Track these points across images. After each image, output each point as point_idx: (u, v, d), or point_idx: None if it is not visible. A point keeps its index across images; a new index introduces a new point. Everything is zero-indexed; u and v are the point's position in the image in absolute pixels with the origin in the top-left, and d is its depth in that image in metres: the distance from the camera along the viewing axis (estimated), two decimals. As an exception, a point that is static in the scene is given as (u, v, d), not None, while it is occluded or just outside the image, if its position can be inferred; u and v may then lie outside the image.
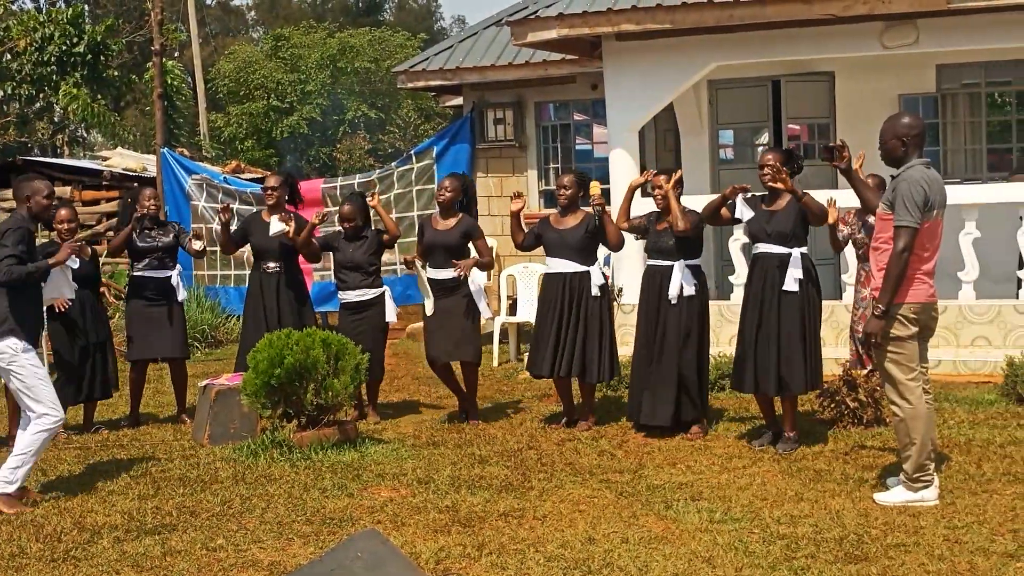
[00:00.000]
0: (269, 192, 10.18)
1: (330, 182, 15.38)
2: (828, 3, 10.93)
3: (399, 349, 14.19)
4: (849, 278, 10.99)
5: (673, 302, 8.78)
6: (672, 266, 8.83)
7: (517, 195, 9.45)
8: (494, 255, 15.47)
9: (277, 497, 7.38)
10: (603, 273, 9.54)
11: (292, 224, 9.80)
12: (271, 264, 10.08)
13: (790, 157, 8.45)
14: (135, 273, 10.09)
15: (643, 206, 10.12)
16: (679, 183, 8.92)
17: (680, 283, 8.77)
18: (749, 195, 8.55)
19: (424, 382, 11.75)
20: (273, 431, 8.77)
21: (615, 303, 10.51)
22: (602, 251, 9.80)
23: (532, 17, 12.22)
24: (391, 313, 9.92)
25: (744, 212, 8.55)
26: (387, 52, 35.08)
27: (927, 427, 6.83)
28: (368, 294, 9.81)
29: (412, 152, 15.63)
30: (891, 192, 6.77)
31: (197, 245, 10.23)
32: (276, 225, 9.90)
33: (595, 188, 9.29)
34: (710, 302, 9.26)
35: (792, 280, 8.23)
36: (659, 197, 8.94)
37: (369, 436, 9.05)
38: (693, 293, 8.81)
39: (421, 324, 14.44)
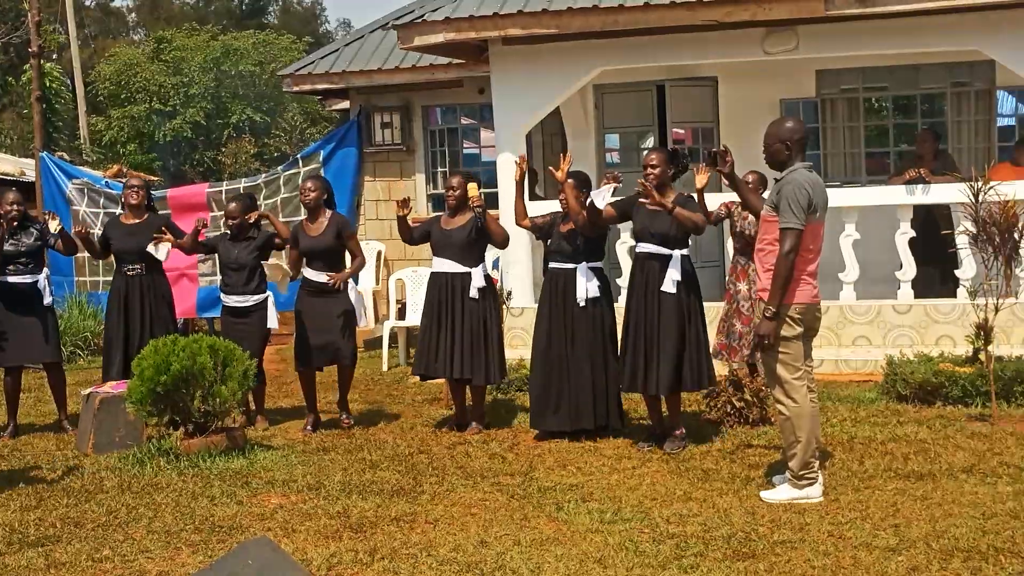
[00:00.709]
0: (132, 192, 10.24)
1: (215, 186, 15.19)
2: (711, 9, 11.11)
3: (287, 354, 14.03)
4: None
5: (581, 304, 8.81)
6: (575, 268, 8.86)
7: (405, 201, 9.41)
8: (382, 260, 15.45)
9: (164, 506, 7.27)
10: (490, 276, 9.56)
11: (168, 237, 9.89)
12: (132, 266, 10.04)
13: (674, 157, 8.50)
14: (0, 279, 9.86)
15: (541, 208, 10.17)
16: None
17: (586, 285, 8.81)
18: (616, 187, 8.61)
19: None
20: (159, 439, 8.64)
21: (504, 306, 10.53)
22: (492, 253, 9.82)
23: (419, 21, 12.23)
24: (272, 320, 9.85)
25: (600, 199, 8.52)
26: (272, 55, 34.78)
27: (812, 425, 6.97)
28: (251, 300, 9.73)
29: (299, 156, 15.51)
30: (775, 195, 6.90)
31: (161, 254, 10.12)
32: (161, 251, 9.97)
33: (473, 190, 9.29)
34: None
35: (670, 282, 8.32)
36: (563, 198, 8.96)
37: (258, 443, 8.96)
38: (598, 295, 8.85)
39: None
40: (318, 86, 16.00)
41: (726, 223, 10.32)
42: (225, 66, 33.29)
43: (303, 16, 58.21)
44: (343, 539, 6.47)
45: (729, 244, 10.48)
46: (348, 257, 9.83)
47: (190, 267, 14.07)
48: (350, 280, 9.66)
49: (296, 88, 16.20)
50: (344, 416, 9.75)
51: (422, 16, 12.45)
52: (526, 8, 11.60)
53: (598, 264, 8.96)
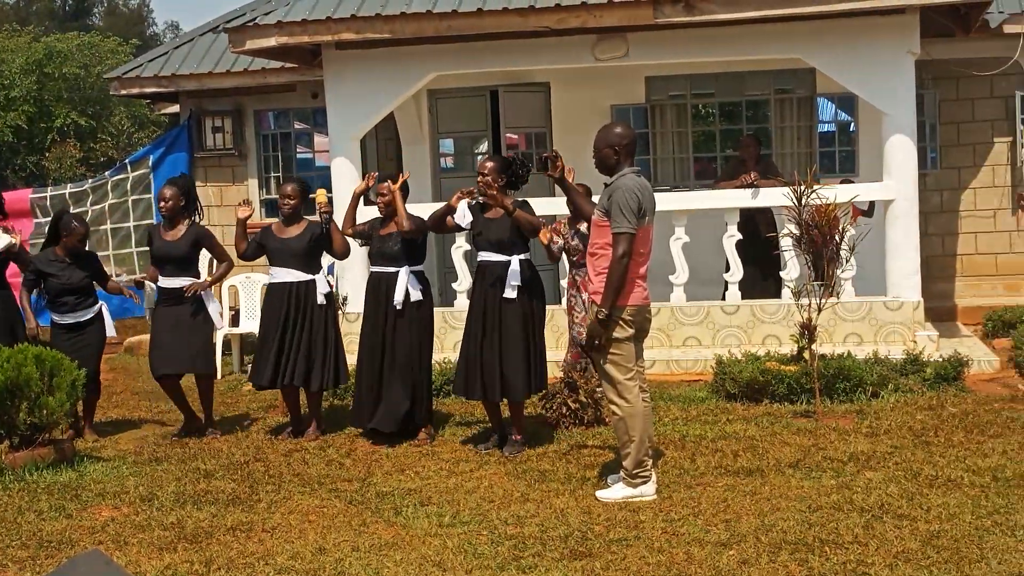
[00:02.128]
0: None
1: (39, 192, 14.78)
2: (543, 16, 11.23)
3: (116, 364, 13.73)
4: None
5: (399, 307, 8.82)
6: (397, 272, 8.88)
7: (245, 202, 9.34)
8: (214, 266, 15.20)
9: (-11, 522, 7.05)
10: (328, 281, 9.52)
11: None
12: None
13: (509, 165, 8.59)
14: None
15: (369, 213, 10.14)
16: (404, 187, 8.97)
17: (406, 288, 8.82)
18: (475, 201, 8.68)
19: (145, 397, 11.42)
20: (-17, 453, 8.36)
21: (340, 311, 10.48)
22: (326, 259, 9.77)
23: (251, 24, 12.09)
24: (110, 328, 9.64)
25: (465, 217, 8.67)
26: (98, 57, 33.86)
27: (645, 425, 7.11)
28: (87, 315, 9.52)
29: (127, 161, 15.21)
30: (607, 200, 7.01)
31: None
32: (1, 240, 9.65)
33: (321, 196, 9.24)
34: (435, 309, 9.35)
35: (511, 288, 8.40)
36: (382, 204, 8.99)
37: (87, 454, 8.74)
38: (420, 298, 8.88)
39: (138, 338, 14.13)
40: (147, 89, 15.68)
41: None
42: (48, 68, 32.28)
43: (130, 18, 56.84)
44: (178, 551, 6.36)
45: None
46: (209, 264, 9.68)
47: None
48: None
49: (124, 92, 15.84)
50: (211, 431, 9.54)
51: (254, 19, 12.31)
52: (360, 12, 11.56)
53: (420, 267, 9.00)
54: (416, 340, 8.89)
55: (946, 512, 6.46)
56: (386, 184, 8.99)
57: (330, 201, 9.53)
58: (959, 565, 5.61)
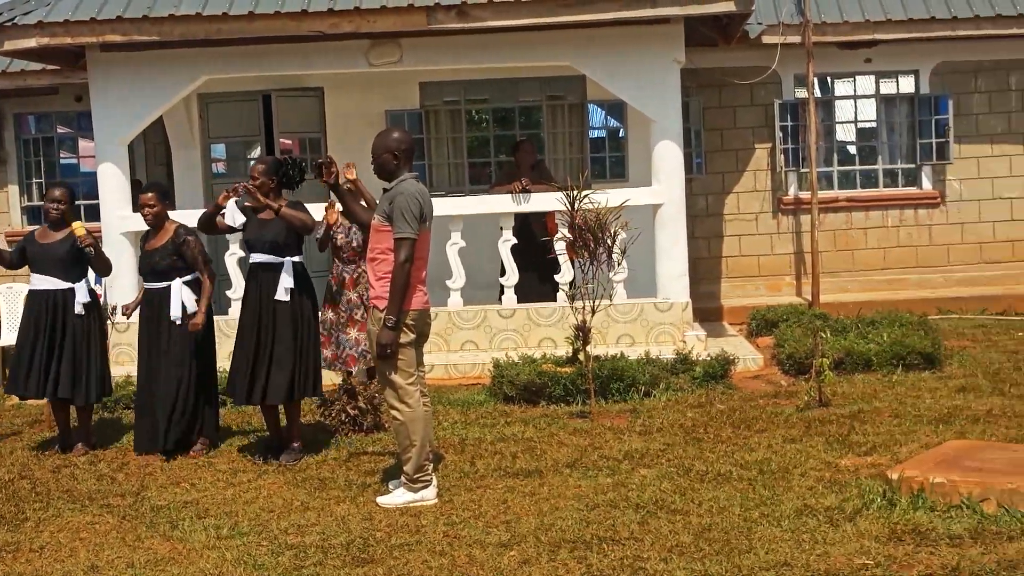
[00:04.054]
0: None
1: None
2: (316, 20, 11.15)
3: None
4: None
5: (178, 322, 8.62)
6: (169, 286, 8.67)
7: None
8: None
9: None
10: (94, 290, 9.22)
11: None
12: None
13: (280, 166, 8.49)
14: None
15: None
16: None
17: (181, 301, 8.63)
18: (240, 198, 8.54)
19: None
20: None
21: (109, 321, 10.14)
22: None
23: (9, 24, 11.58)
24: None
25: (236, 217, 8.54)
26: None
27: (425, 429, 7.13)
28: None
29: None
30: (387, 205, 7.00)
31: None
32: None
33: (79, 230, 8.81)
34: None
35: (283, 290, 8.31)
36: (149, 216, 8.76)
37: None
38: (196, 309, 8.70)
39: None
40: None
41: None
42: None
43: None
44: (-62, 575, 6.07)
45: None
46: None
47: None
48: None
49: None
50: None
51: (12, 19, 11.79)
52: (126, 14, 11.24)
53: (191, 277, 8.78)
54: (195, 351, 8.69)
55: (717, 506, 6.68)
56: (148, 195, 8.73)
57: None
58: (730, 556, 5.81)
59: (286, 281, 8.32)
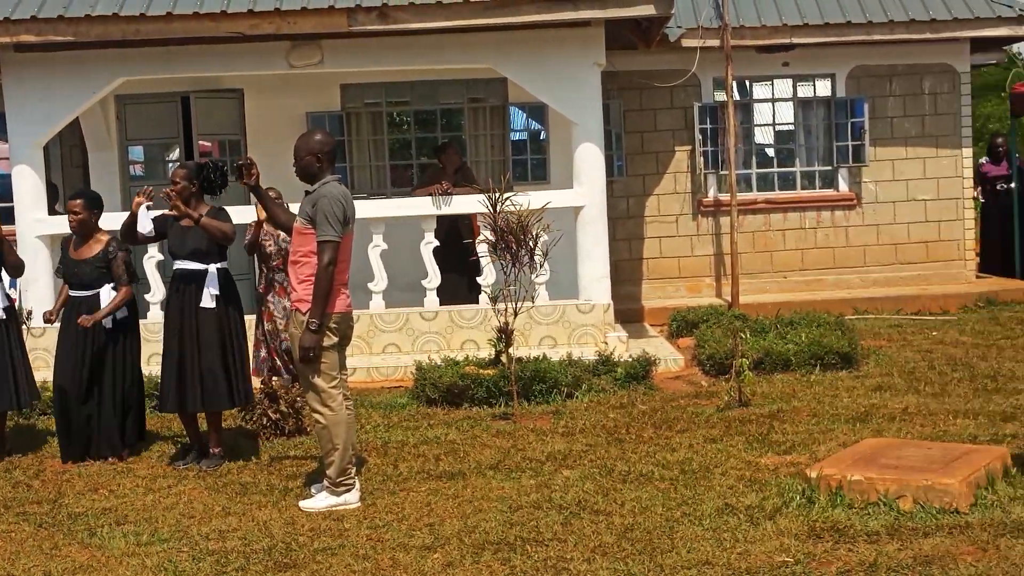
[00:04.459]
0: None
1: None
2: (235, 21, 11.07)
3: None
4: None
5: (108, 326, 8.49)
6: (97, 293, 8.55)
7: None
8: None
9: None
10: (8, 295, 9.07)
11: None
12: None
13: (201, 171, 8.41)
14: None
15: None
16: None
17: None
18: (151, 203, 8.45)
19: None
20: None
21: (25, 326, 9.99)
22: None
23: (-81, 24, 11.36)
24: None
25: (144, 224, 8.43)
26: None
27: (348, 432, 7.10)
28: None
29: None
30: (310, 207, 6.97)
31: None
32: None
33: None
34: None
35: (208, 297, 8.24)
36: (73, 222, 8.64)
37: None
38: (126, 315, 8.57)
39: None
40: None
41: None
42: None
43: None
44: None
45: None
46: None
47: None
48: None
49: None
50: None
51: (-79, 18, 11.57)
52: (40, 14, 11.06)
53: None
54: (123, 357, 8.57)
55: (639, 506, 6.73)
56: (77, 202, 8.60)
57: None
58: (652, 556, 5.85)
59: (211, 289, 8.24)
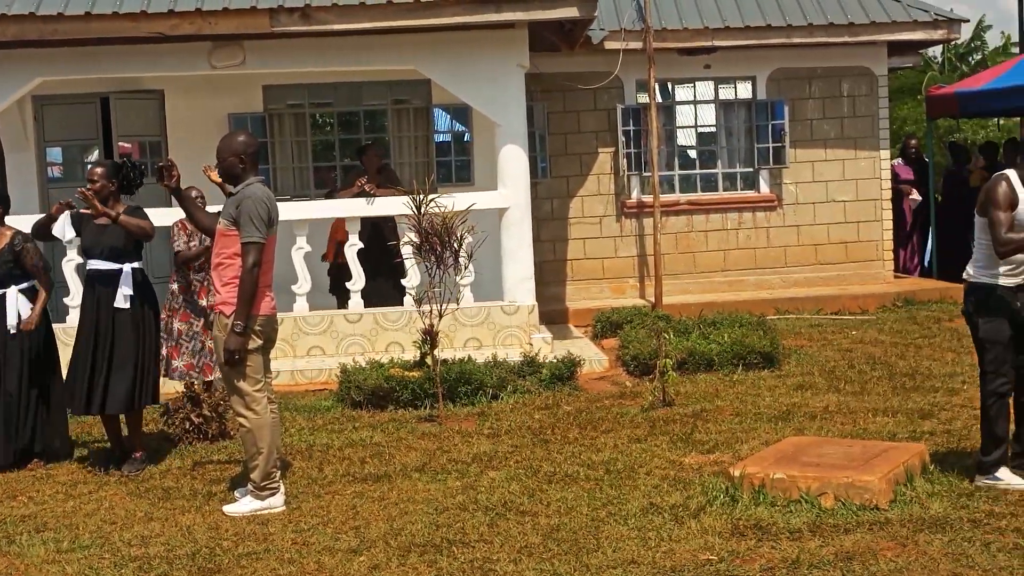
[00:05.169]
0: None
1: None
2: (155, 22, 10.95)
3: None
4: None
5: (12, 332, 8.37)
6: (4, 294, 8.41)
7: None
8: None
9: None
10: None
11: None
12: None
13: (119, 170, 8.32)
14: None
15: None
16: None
17: (17, 310, 8.38)
18: (76, 211, 8.35)
19: None
20: None
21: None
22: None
23: None
24: None
25: (66, 231, 8.33)
26: None
27: (273, 436, 7.06)
28: None
29: None
30: (234, 209, 6.92)
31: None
32: None
33: None
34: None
35: (123, 297, 8.14)
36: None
37: None
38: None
39: None
40: None
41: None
42: None
43: None
44: None
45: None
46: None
47: None
48: None
49: None
50: None
51: None
52: (-46, 13, 10.88)
53: (28, 284, 8.53)
54: (36, 360, 8.45)
55: (565, 506, 6.76)
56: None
57: None
58: (578, 556, 5.88)
59: (125, 288, 8.15)
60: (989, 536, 5.89)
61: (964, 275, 6.96)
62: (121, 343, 8.14)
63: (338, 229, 12.45)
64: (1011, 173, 6.69)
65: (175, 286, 9.52)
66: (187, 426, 8.86)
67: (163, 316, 9.11)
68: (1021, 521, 6.10)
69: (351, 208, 11.97)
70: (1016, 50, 24.48)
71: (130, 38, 11.18)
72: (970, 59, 33.53)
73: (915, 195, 16.45)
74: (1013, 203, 6.58)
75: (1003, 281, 6.71)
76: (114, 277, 8.17)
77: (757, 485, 6.59)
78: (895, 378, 10.13)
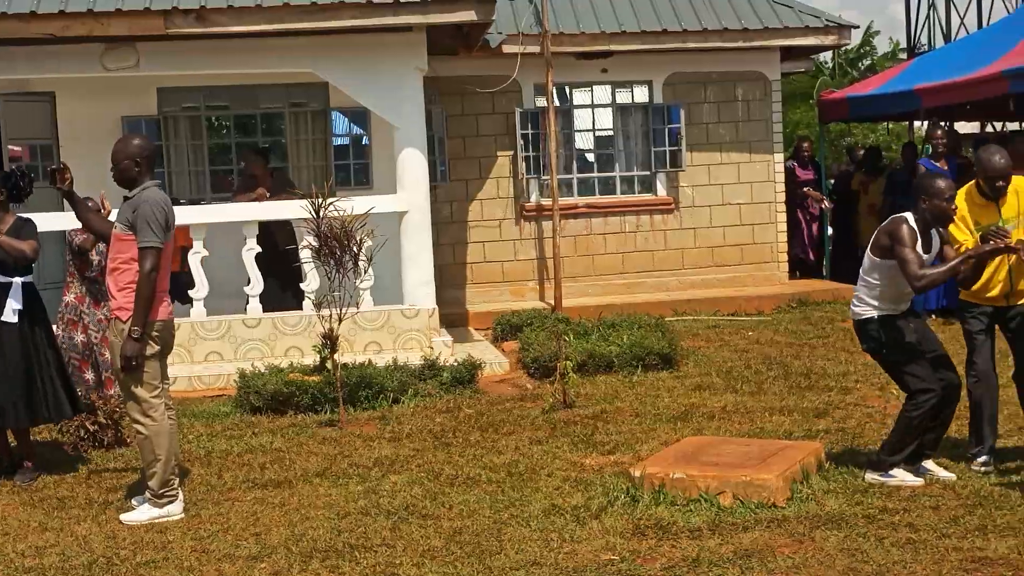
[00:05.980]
0: None
1: None
2: (45, 22, 10.76)
3: None
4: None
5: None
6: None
7: None
8: None
9: None
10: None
11: None
12: None
13: (7, 178, 8.13)
14: None
15: None
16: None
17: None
18: None
19: None
20: None
21: None
22: None
23: None
24: None
25: None
26: None
27: (170, 443, 6.97)
28: None
29: None
30: (130, 213, 6.82)
31: None
32: None
33: None
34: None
35: (11, 311, 7.95)
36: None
37: None
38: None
39: None
40: None
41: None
42: None
43: None
44: None
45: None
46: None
47: None
48: None
49: None
50: None
51: None
52: None
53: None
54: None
55: (467, 509, 6.77)
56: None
57: None
58: (481, 558, 5.89)
59: (14, 303, 7.95)
60: (883, 532, 6.02)
61: (852, 316, 7.11)
62: (10, 359, 7.93)
63: (181, 236, 12.25)
64: (909, 216, 6.84)
65: (70, 296, 9.31)
66: (82, 434, 8.69)
67: (58, 330, 8.90)
68: (913, 516, 6.25)
69: (249, 212, 11.85)
70: (904, 56, 25.07)
71: (18, 39, 10.96)
72: (860, 64, 34.27)
73: (826, 204, 16.63)
74: (916, 241, 6.73)
75: (885, 312, 6.90)
76: (2, 289, 7.97)
77: (657, 485, 6.66)
78: (791, 378, 10.30)
